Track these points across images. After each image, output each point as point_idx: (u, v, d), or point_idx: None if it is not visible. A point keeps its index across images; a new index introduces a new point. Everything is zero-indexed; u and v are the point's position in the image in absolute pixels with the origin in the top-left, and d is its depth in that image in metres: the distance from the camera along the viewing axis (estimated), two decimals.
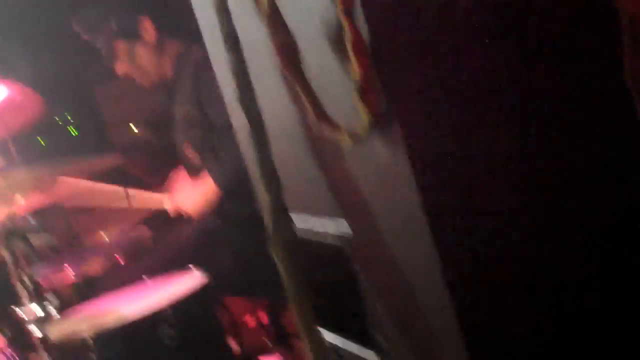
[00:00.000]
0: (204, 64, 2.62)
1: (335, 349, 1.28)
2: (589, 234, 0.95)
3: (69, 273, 2.65)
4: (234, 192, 2.63)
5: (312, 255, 1.17)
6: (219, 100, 2.55)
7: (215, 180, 2.62)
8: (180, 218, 2.78)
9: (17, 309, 1.99)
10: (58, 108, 4.50)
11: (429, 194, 0.87)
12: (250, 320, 3.25)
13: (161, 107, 4.19)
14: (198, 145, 2.75)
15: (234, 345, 2.73)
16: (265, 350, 2.95)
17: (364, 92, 0.82)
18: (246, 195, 2.65)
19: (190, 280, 2.36)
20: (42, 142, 4.30)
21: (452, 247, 0.89)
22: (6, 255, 1.95)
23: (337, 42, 0.88)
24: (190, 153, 2.79)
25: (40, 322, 1.97)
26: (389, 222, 0.98)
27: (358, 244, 1.09)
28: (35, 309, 1.97)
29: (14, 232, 1.95)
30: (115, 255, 2.72)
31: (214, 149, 2.70)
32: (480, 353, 0.91)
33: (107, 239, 2.98)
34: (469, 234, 0.89)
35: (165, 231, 2.89)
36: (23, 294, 1.97)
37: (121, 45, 2.75)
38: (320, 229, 1.18)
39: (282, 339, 2.95)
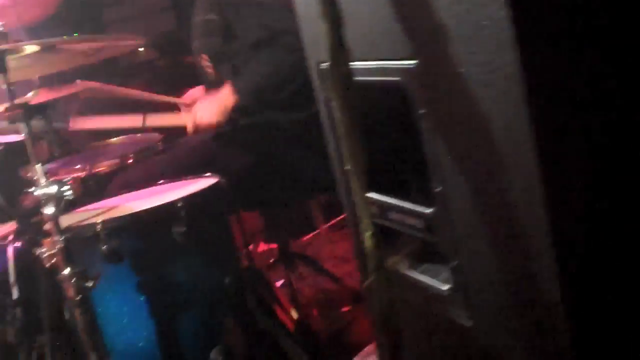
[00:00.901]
0: None
1: (387, 209, 1.25)
2: None
3: (78, 170, 2.63)
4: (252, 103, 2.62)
5: (369, 97, 1.14)
6: (247, 9, 2.54)
7: (235, 91, 2.59)
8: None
9: (33, 190, 1.95)
10: (66, 27, 4.44)
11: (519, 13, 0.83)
12: (261, 244, 3.26)
13: (171, 25, 4.14)
14: (215, 55, 2.71)
15: (242, 257, 2.72)
16: (271, 270, 2.95)
17: None
18: (262, 104, 2.65)
19: (203, 183, 2.34)
20: None
21: (542, 81, 0.85)
22: (24, 130, 1.91)
23: None
24: (207, 64, 2.75)
25: (56, 202, 1.93)
26: (467, 48, 0.94)
27: (423, 75, 1.05)
28: (52, 189, 1.93)
29: (37, 110, 1.91)
30: (124, 155, 2.68)
31: (232, 60, 2.67)
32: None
33: (116, 140, 2.96)
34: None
35: (175, 135, 2.86)
36: (40, 173, 1.93)
37: None
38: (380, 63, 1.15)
39: (289, 262, 2.96)
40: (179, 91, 3.21)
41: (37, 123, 1.95)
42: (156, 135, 2.85)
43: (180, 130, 2.77)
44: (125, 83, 3.60)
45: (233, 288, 2.34)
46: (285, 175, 2.67)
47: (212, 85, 2.73)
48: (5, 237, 2.53)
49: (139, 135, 2.93)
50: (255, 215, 3.27)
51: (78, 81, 2.94)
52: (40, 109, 1.93)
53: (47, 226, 2.10)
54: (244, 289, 2.39)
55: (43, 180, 1.95)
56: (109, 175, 2.67)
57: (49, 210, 1.95)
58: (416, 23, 1.06)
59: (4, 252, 2.49)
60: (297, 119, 2.69)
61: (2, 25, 1.94)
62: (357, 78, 1.05)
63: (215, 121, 2.63)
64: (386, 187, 1.26)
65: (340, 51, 1.01)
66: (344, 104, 1.05)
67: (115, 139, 2.98)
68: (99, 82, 2.89)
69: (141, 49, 4.40)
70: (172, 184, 2.42)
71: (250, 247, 2.91)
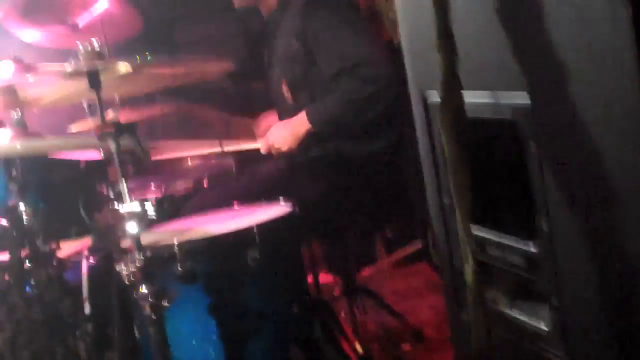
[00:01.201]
0: (317, 1, 2.65)
1: (486, 243, 1.25)
2: None
3: (154, 191, 2.67)
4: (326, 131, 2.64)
5: (478, 132, 1.14)
6: (328, 39, 2.58)
7: (310, 119, 2.62)
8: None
9: (117, 205, 1.99)
10: (138, 46, 4.54)
11: None
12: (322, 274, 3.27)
13: (242, 51, 4.20)
14: (295, 82, 2.74)
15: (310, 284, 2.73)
16: (335, 301, 2.95)
17: None
18: (335, 134, 2.67)
19: (277, 209, 2.35)
20: None
21: None
22: (113, 148, 1.95)
23: None
24: (286, 91, 2.79)
25: (139, 220, 1.97)
26: (585, 85, 0.94)
27: (537, 115, 1.05)
28: (136, 207, 1.97)
29: (127, 129, 1.95)
30: (199, 178, 2.72)
31: (311, 87, 2.70)
32: None
33: (190, 163, 3.00)
34: None
35: (248, 161, 2.89)
36: (124, 191, 1.97)
37: None
38: (492, 101, 1.15)
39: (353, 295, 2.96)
40: (247, 116, 3.26)
41: (125, 142, 1.99)
42: (230, 161, 2.88)
43: (254, 156, 2.81)
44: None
45: (300, 316, 2.35)
46: (356, 205, 2.68)
47: (290, 111, 2.76)
48: (79, 252, 2.58)
49: (213, 160, 2.96)
50: (315, 244, 3.27)
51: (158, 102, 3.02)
52: (130, 129, 1.97)
53: (126, 243, 2.14)
54: (311, 318, 2.39)
55: (127, 198, 1.99)
56: (184, 197, 2.70)
57: (132, 228, 1.98)
58: (532, 58, 1.06)
59: (78, 267, 2.53)
60: (369, 150, 2.70)
61: (99, 44, 1.99)
62: (468, 114, 1.05)
63: (288, 146, 2.65)
64: (486, 222, 1.25)
65: (454, 84, 1.02)
66: (454, 137, 1.06)
67: (190, 161, 3.02)
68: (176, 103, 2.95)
69: None
70: (246, 208, 2.44)
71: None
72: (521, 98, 1.08)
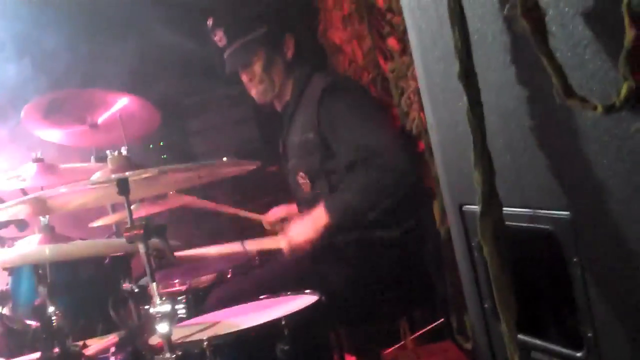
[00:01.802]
0: (332, 93, 2.71)
1: (530, 348, 1.25)
2: None
3: (178, 284, 2.69)
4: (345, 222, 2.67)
5: (519, 244, 1.16)
6: (343, 130, 2.63)
7: (328, 211, 2.66)
8: None
9: (148, 308, 2.01)
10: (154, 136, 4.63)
11: None
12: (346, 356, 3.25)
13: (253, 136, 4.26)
14: (312, 173, 2.80)
15: None
16: None
17: (634, 55, 0.83)
18: (354, 223, 2.70)
19: (303, 299, 2.36)
20: None
21: None
22: (142, 250, 1.99)
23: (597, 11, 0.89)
24: (303, 182, 2.82)
25: (170, 320, 1.99)
26: (625, 205, 0.96)
27: (577, 227, 1.08)
28: (166, 308, 1.99)
29: (156, 231, 1.99)
30: (223, 270, 2.75)
31: (328, 177, 2.74)
32: None
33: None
34: None
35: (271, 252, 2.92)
36: (155, 292, 2.00)
37: (261, 53, 2.83)
38: (531, 212, 1.18)
39: None
40: (260, 200, 3.30)
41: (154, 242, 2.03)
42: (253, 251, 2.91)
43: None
44: (207, 191, 3.72)
45: None
46: (381, 290, 2.69)
47: (308, 200, 2.80)
48: (107, 349, 2.59)
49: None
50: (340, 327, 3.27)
51: (170, 194, 3.07)
52: (159, 231, 2.01)
53: (154, 340, 2.16)
54: None
55: (157, 299, 2.01)
56: (208, 287, 2.72)
57: (163, 328, 2.00)
58: (573, 179, 1.07)
59: None
60: (390, 236, 2.73)
61: (126, 150, 2.05)
62: (507, 223, 1.08)
63: (309, 241, 2.68)
64: (530, 328, 1.27)
65: (492, 200, 1.05)
66: (495, 250, 1.08)
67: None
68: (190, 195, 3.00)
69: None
70: (273, 299, 2.46)
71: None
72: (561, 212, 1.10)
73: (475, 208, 1.05)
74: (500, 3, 1.05)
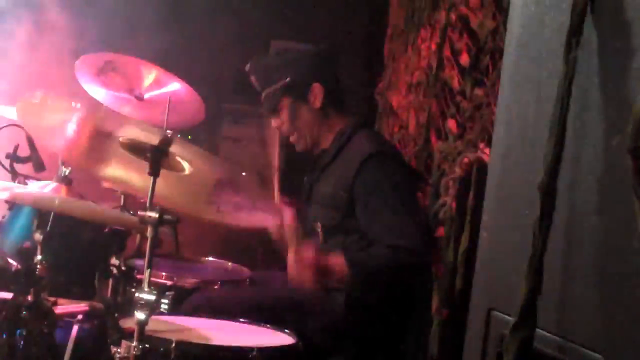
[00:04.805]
0: (377, 160, 2.69)
1: None
2: None
3: (164, 277, 2.68)
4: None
5: None
6: (374, 204, 2.61)
7: (338, 268, 2.61)
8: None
9: (136, 293, 1.99)
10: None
11: None
12: None
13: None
14: (329, 227, 2.77)
15: None
16: None
17: None
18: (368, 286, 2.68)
19: (281, 338, 2.34)
20: None
21: None
22: (150, 235, 1.98)
23: None
24: (319, 231, 2.80)
25: (150, 310, 1.97)
26: None
27: None
28: (151, 298, 1.98)
29: (168, 222, 1.99)
30: (211, 280, 2.73)
31: (345, 237, 2.72)
32: None
33: (205, 262, 3.01)
34: None
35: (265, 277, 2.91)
36: (147, 279, 1.99)
37: (286, 102, 2.85)
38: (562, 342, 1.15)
39: None
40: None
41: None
42: (246, 270, 2.90)
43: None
44: None
45: None
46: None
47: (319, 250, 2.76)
48: (74, 314, 2.57)
49: (230, 264, 2.98)
50: None
51: None
52: (172, 222, 2.01)
53: (126, 325, 2.14)
54: None
55: (146, 286, 1.99)
56: (191, 290, 2.71)
57: (140, 315, 1.98)
58: (616, 324, 1.05)
59: (69, 328, 2.52)
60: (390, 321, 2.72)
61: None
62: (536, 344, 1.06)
63: (309, 287, 2.64)
64: None
65: (529, 318, 1.03)
66: None
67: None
68: None
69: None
70: (251, 326, 2.44)
71: None
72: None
73: (505, 317, 1.03)
74: (609, 129, 1.02)
